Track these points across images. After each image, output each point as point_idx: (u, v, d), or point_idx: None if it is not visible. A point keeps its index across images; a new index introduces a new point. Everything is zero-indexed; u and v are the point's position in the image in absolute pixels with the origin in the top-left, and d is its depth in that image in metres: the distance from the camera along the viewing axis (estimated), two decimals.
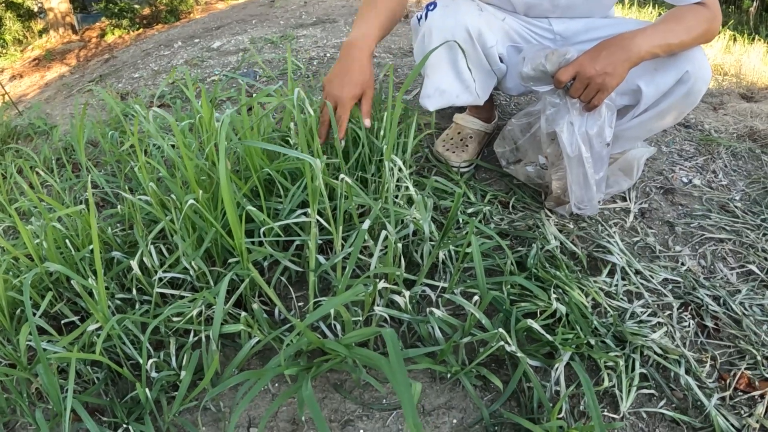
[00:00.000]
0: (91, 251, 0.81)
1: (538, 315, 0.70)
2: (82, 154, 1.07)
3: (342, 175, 0.58)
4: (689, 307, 0.84)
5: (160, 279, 0.68)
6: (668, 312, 0.82)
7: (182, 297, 0.68)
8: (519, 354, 0.60)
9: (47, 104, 2.40)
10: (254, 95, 0.85)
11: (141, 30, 4.61)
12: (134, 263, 0.67)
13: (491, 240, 0.78)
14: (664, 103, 0.90)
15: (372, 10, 0.85)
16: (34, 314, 0.66)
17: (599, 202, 0.96)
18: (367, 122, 0.79)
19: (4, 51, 5.03)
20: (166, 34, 3.22)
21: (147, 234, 0.75)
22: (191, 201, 0.60)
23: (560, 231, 0.92)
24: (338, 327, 0.62)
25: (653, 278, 0.86)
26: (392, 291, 0.64)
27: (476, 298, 0.60)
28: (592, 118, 0.92)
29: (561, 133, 0.91)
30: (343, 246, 0.63)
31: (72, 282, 0.67)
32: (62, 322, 0.73)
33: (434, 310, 0.62)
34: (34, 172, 1.14)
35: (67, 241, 0.76)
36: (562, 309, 0.63)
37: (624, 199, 1.08)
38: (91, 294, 0.68)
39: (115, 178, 1.10)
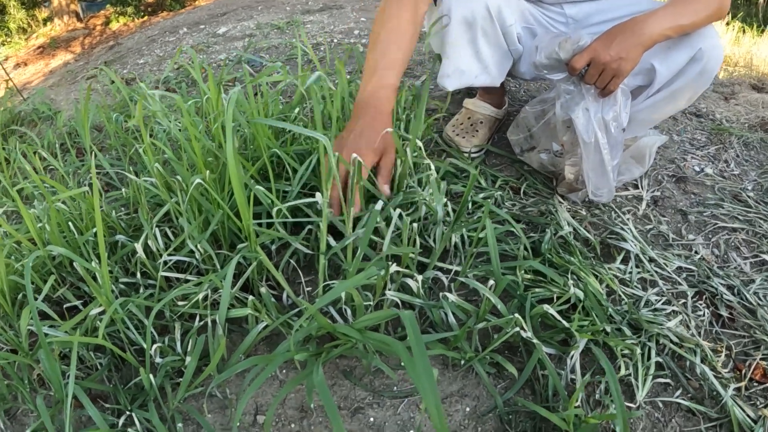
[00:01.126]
0: (95, 234, 0.78)
1: (554, 301, 0.67)
2: (86, 137, 1.03)
3: (354, 155, 0.54)
4: (704, 296, 0.81)
5: (165, 263, 0.65)
6: (683, 300, 0.79)
7: (188, 281, 0.65)
8: (534, 341, 0.57)
9: (51, 90, 2.36)
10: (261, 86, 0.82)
11: (146, 17, 4.53)
12: (139, 246, 0.64)
13: (503, 225, 0.74)
14: (678, 83, 0.87)
15: (392, 44, 0.72)
16: (36, 298, 0.64)
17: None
18: (386, 190, 0.66)
19: (9, 39, 4.95)
20: (171, 21, 3.15)
21: (152, 217, 0.72)
22: (198, 181, 0.57)
23: (573, 217, 0.89)
24: (348, 312, 0.59)
25: (667, 266, 0.83)
26: (404, 275, 0.60)
27: (491, 282, 0.57)
28: (607, 103, 0.88)
29: (577, 120, 0.88)
30: (354, 229, 0.60)
31: (75, 266, 0.64)
32: (65, 306, 0.70)
33: (448, 294, 0.58)
34: (37, 157, 1.11)
35: (70, 224, 0.73)
36: (580, 294, 0.60)
37: (636, 187, 1.05)
38: (94, 278, 0.65)
39: (121, 162, 1.06)
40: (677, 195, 1.05)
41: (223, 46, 1.92)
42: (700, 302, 0.79)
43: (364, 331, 0.46)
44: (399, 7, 0.77)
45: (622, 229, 0.86)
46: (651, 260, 0.83)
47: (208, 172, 0.61)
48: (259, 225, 0.71)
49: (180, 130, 0.80)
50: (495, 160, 1.08)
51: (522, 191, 0.96)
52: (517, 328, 0.56)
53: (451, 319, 0.59)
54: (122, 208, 0.86)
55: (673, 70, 0.86)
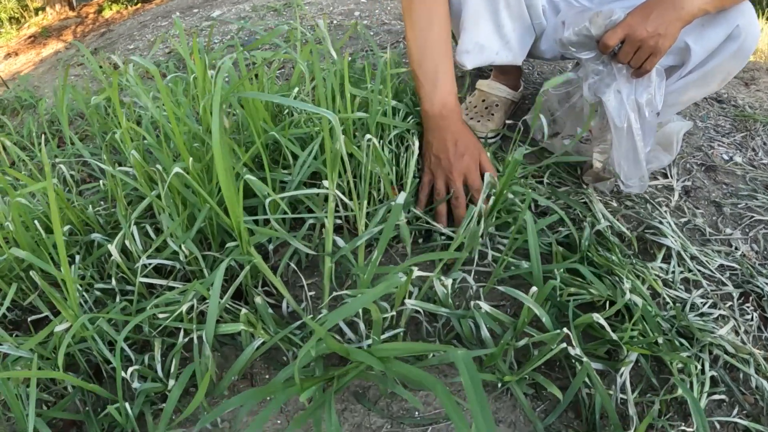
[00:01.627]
0: (69, 233, 0.66)
1: (596, 305, 0.57)
2: (65, 125, 0.90)
3: (368, 136, 0.43)
4: (749, 298, 0.71)
5: (145, 266, 0.54)
6: (729, 303, 0.69)
7: (172, 288, 0.54)
8: (584, 359, 0.47)
9: (37, 78, 2.21)
10: (256, 63, 0.70)
11: (139, 4, 4.33)
12: (113, 248, 0.53)
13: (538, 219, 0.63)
14: (712, 63, 0.76)
15: (442, 52, 0.71)
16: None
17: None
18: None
19: (0, 30, 4.74)
20: (164, 6, 2.98)
21: (131, 213, 0.60)
22: (177, 170, 0.46)
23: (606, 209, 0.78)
24: (362, 326, 0.49)
25: (709, 264, 0.73)
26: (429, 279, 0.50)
27: (533, 290, 0.46)
28: (641, 84, 0.77)
29: (608, 103, 0.76)
30: (366, 225, 0.49)
31: (32, 274, 0.53)
32: (30, 319, 0.59)
33: (480, 303, 0.48)
34: (16, 147, 0.98)
35: (36, 222, 0.62)
36: (638, 302, 0.50)
37: (665, 176, 0.94)
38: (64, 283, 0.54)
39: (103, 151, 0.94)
40: (708, 185, 0.95)
41: (217, 29, 1.78)
42: (747, 304, 0.69)
43: (389, 360, 0.35)
44: None
45: (661, 223, 0.75)
46: (693, 258, 0.73)
47: (191, 160, 0.50)
48: (255, 221, 0.60)
49: (165, 112, 0.69)
50: (513, 145, 0.97)
51: (545, 182, 0.85)
52: (564, 344, 0.46)
53: (484, 332, 0.48)
54: (101, 202, 0.75)
55: (708, 48, 0.75)
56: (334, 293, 0.52)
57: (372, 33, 1.50)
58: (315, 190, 0.47)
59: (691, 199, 0.89)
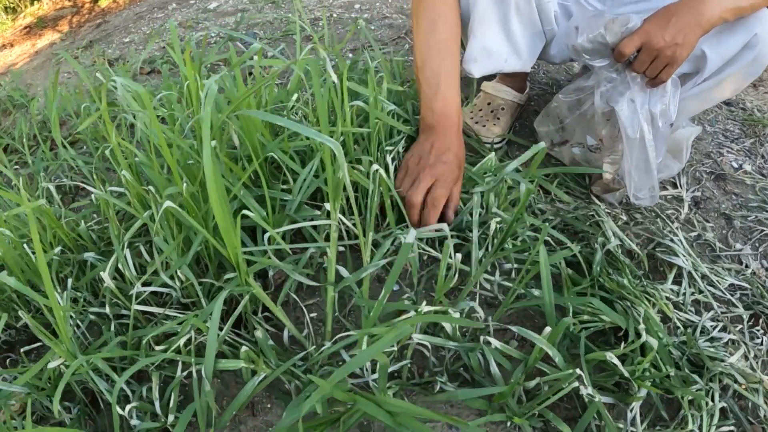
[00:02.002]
0: (61, 252, 0.63)
1: (606, 331, 0.54)
2: (56, 130, 0.86)
3: (375, 166, 0.40)
4: (759, 320, 0.69)
5: (139, 294, 0.51)
6: (739, 326, 0.67)
7: (169, 317, 0.51)
8: (596, 398, 0.44)
9: (35, 73, 2.14)
10: (254, 59, 0.65)
11: None
12: (105, 275, 0.50)
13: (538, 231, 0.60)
14: (727, 71, 0.73)
15: (445, 57, 0.67)
16: None
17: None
18: (451, 217, 0.63)
19: None
20: None
21: (124, 231, 0.57)
22: (168, 204, 0.42)
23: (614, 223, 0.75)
24: (368, 365, 0.46)
25: (720, 283, 0.71)
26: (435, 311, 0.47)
27: (547, 330, 0.43)
28: (655, 94, 0.73)
29: (621, 113, 0.73)
30: (372, 253, 0.46)
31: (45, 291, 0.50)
32: (23, 350, 0.56)
33: (491, 339, 0.45)
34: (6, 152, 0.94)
35: (26, 244, 0.58)
36: (653, 343, 0.47)
37: (675, 186, 0.91)
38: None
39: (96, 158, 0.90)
40: (718, 195, 0.91)
41: (214, 21, 1.71)
42: (757, 327, 0.67)
43: (410, 420, 0.32)
44: None
45: (672, 240, 0.73)
46: (703, 277, 0.71)
47: (186, 182, 0.47)
48: (254, 241, 0.57)
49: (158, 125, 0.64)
50: (518, 151, 0.93)
51: (553, 192, 0.82)
52: (576, 383, 0.43)
53: (494, 368, 0.46)
54: (94, 215, 0.71)
55: (725, 57, 0.72)
56: (337, 317, 0.50)
57: (373, 27, 1.44)
58: (317, 222, 0.44)
59: (701, 211, 0.86)
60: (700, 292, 0.69)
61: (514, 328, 0.44)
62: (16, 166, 1.04)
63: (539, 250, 0.46)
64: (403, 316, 0.43)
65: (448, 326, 0.46)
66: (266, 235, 0.46)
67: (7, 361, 0.59)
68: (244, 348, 0.43)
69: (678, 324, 0.62)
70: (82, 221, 0.66)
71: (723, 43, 0.71)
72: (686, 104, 0.80)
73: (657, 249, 0.72)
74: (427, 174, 0.61)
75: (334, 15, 1.54)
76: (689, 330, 0.61)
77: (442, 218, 0.61)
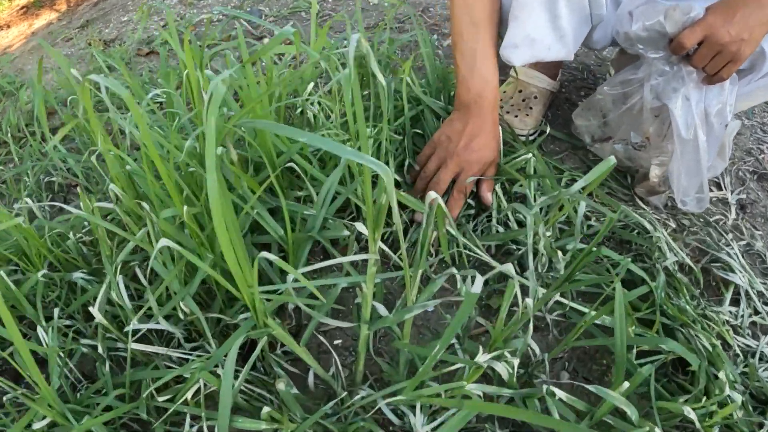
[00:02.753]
0: (48, 268, 0.54)
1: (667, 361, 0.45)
2: (44, 122, 0.75)
3: (432, 192, 0.29)
4: None
5: (135, 332, 0.42)
6: None
7: (172, 358, 0.42)
8: None
9: (29, 56, 1.99)
10: (261, 40, 0.54)
11: None
12: (95, 311, 0.40)
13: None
14: None
15: (483, 33, 0.62)
16: None
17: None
18: (489, 198, 0.62)
19: None
20: None
21: (117, 252, 0.48)
22: (165, 243, 0.32)
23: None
24: (407, 411, 0.37)
25: None
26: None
27: (625, 385, 0.34)
28: (712, 92, 0.63)
29: (674, 110, 0.62)
30: (419, 290, 0.36)
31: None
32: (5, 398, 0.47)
33: (555, 390, 0.36)
34: None
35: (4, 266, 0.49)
36: (737, 398, 0.38)
37: (718, 186, 0.80)
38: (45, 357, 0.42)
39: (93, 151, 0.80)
40: (763, 198, 0.81)
41: None
42: None
43: None
44: None
45: (728, 255, 0.63)
46: (759, 295, 0.61)
47: (186, 203, 0.37)
48: (269, 263, 0.47)
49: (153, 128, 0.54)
50: (552, 144, 0.82)
51: (594, 194, 0.71)
52: None
53: (555, 421, 0.37)
54: (85, 223, 0.61)
55: None
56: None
57: (386, 5, 1.29)
58: (352, 257, 0.34)
59: (747, 215, 0.76)
60: (757, 312, 0.59)
61: (590, 387, 0.35)
62: (4, 161, 0.93)
63: (615, 287, 0.36)
64: (454, 366, 0.34)
65: (504, 370, 0.37)
66: (290, 280, 0.36)
67: None
68: (265, 409, 0.34)
69: (739, 353, 0.53)
70: (71, 232, 0.56)
71: None
72: (738, 101, 0.70)
73: (713, 264, 0.62)
74: (454, 162, 0.59)
75: None
76: (750, 358, 0.53)
77: (477, 202, 0.57)
